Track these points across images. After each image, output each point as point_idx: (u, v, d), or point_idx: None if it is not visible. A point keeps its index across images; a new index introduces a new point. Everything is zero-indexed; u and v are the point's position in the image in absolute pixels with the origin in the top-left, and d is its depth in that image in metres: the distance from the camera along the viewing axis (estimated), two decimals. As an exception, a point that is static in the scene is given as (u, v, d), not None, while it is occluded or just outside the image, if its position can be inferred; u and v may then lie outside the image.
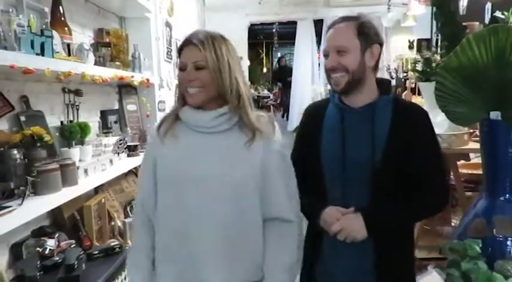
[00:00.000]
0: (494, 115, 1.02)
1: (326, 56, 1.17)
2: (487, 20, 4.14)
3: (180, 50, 1.06)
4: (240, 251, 1.04)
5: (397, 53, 6.49)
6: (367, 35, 1.13)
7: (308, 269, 1.27)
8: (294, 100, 7.25)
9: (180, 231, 1.04)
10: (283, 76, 9.79)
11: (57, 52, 1.52)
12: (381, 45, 1.17)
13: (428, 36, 4.73)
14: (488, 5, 4.13)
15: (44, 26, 1.63)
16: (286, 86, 9.43)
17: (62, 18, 1.86)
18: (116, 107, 2.70)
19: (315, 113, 1.28)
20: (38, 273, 1.29)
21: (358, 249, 1.15)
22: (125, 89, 2.73)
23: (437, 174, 1.18)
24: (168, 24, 3.96)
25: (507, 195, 1.06)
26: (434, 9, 1.16)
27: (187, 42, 1.05)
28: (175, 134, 1.07)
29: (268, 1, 5.60)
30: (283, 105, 9.80)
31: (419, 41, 5.80)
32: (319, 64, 6.74)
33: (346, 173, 1.15)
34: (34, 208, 1.29)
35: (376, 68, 1.19)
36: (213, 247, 1.02)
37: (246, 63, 6.99)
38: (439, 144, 1.23)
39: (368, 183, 1.13)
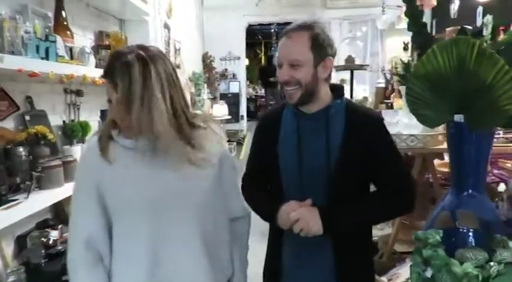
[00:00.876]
0: (458, 118, 1.12)
1: (279, 66, 1.15)
2: (478, 23, 4.26)
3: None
4: (216, 257, 1.08)
5: (392, 55, 6.59)
6: (321, 47, 1.12)
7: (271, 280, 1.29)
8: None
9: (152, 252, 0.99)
10: (266, 76, 9.67)
11: (61, 56, 1.62)
12: (334, 56, 1.17)
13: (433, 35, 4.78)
14: (480, 9, 4.24)
15: (47, 30, 1.73)
16: (271, 86, 9.47)
17: (65, 23, 1.97)
18: (115, 106, 2.81)
19: (271, 117, 1.27)
20: (43, 261, 1.39)
21: (318, 255, 1.17)
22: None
23: (400, 176, 1.19)
24: (166, 26, 4.07)
25: (470, 190, 1.16)
26: (407, 19, 1.25)
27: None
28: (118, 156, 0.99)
29: (266, 2, 5.71)
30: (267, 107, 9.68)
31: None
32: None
33: (302, 178, 1.15)
34: (39, 201, 1.40)
35: (329, 77, 1.19)
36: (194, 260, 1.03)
37: (244, 62, 7.10)
38: (396, 146, 1.23)
39: (324, 189, 1.14)
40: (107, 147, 0.98)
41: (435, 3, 2.91)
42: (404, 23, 5.81)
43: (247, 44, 7.14)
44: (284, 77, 1.13)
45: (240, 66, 6.84)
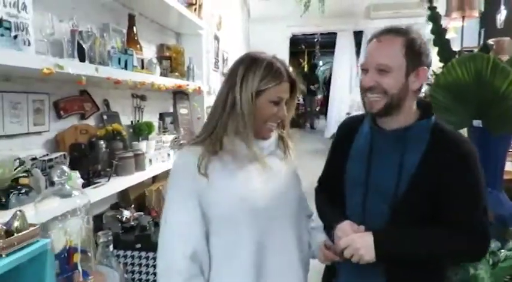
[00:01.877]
0: (476, 123, 1.28)
1: (364, 70, 1.04)
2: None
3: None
4: (306, 260, 1.11)
5: (438, 64, 6.53)
6: (416, 54, 1.00)
7: None
8: (331, 108, 7.49)
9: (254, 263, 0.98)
10: (308, 84, 9.75)
11: (135, 66, 1.95)
12: (429, 67, 1.04)
13: (476, 45, 4.71)
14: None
15: (122, 45, 2.07)
16: (311, 94, 9.73)
17: (135, 38, 2.31)
18: (171, 110, 3.15)
19: (348, 127, 1.20)
20: (120, 232, 1.69)
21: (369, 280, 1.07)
22: (178, 95, 3.17)
23: (475, 219, 1.02)
24: (216, 37, 4.41)
25: (489, 188, 1.30)
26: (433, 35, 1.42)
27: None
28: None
29: (310, 13, 5.91)
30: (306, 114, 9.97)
31: (463, 51, 5.82)
32: (357, 74, 6.94)
33: (367, 198, 1.07)
34: (116, 184, 1.71)
35: (419, 91, 1.05)
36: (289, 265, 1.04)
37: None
38: (481, 184, 1.03)
39: (387, 214, 1.03)
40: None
41: (477, 15, 2.98)
42: (451, 32, 5.81)
43: (291, 53, 7.38)
44: (369, 83, 1.01)
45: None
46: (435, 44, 1.41)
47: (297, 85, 1.06)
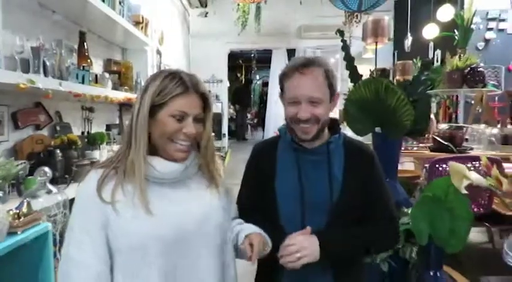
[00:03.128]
0: (377, 129, 1.68)
1: (295, 103, 1.10)
2: (430, 56, 5.01)
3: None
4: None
5: (350, 85, 7.32)
6: (333, 83, 1.12)
7: None
8: (269, 120, 7.99)
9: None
10: (239, 98, 10.74)
11: (90, 80, 2.11)
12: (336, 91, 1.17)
13: (390, 65, 5.45)
14: (431, 44, 5.01)
15: (72, 59, 2.21)
16: (242, 107, 10.51)
17: (86, 53, 2.46)
18: (117, 122, 3.27)
19: (265, 152, 1.23)
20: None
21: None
22: (124, 107, 3.31)
23: (391, 208, 1.20)
24: (158, 52, 4.59)
25: (387, 178, 1.71)
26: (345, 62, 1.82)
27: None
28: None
29: (247, 31, 6.33)
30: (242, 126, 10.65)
31: (379, 70, 6.66)
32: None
33: (305, 212, 1.13)
34: (75, 190, 1.84)
35: None
36: None
37: (226, 85, 7.67)
38: (384, 177, 1.24)
39: (326, 222, 1.13)
40: None
41: (387, 41, 3.55)
42: (370, 53, 6.60)
43: (229, 67, 7.74)
44: (306, 115, 1.09)
45: (222, 89, 7.41)
46: (347, 69, 1.80)
47: (209, 101, 0.96)
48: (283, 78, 1.14)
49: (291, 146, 1.18)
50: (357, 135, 1.74)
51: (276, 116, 7.67)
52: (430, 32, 4.56)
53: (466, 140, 2.83)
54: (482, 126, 3.03)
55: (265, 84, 11.54)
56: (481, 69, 2.78)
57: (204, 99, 0.95)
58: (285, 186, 1.15)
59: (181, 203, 0.92)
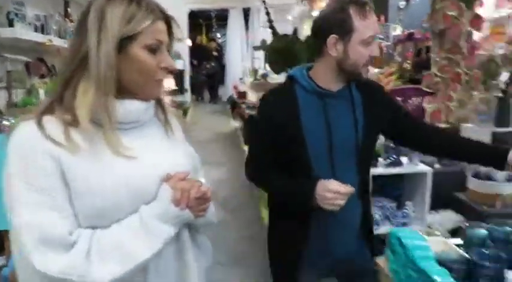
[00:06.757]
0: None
1: (368, 43, 1.09)
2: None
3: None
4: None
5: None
6: None
7: (295, 256, 1.21)
8: (228, 75, 8.72)
9: None
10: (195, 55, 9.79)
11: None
12: None
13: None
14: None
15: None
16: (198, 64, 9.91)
17: (70, 17, 3.07)
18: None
19: (282, 100, 1.16)
20: None
21: (349, 214, 1.17)
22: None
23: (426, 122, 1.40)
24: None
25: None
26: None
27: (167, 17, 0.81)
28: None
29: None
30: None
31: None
32: (247, 44, 8.23)
33: (333, 157, 1.15)
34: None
35: None
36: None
37: (186, 43, 8.20)
38: None
39: (354, 162, 1.18)
40: None
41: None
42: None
43: (190, 26, 8.21)
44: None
45: (183, 47, 7.94)
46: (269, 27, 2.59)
47: (175, 25, 0.83)
48: (353, 17, 1.06)
49: (317, 92, 1.15)
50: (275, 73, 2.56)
51: (234, 70, 8.43)
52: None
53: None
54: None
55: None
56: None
57: (168, 25, 0.81)
58: (314, 135, 1.14)
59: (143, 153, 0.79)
